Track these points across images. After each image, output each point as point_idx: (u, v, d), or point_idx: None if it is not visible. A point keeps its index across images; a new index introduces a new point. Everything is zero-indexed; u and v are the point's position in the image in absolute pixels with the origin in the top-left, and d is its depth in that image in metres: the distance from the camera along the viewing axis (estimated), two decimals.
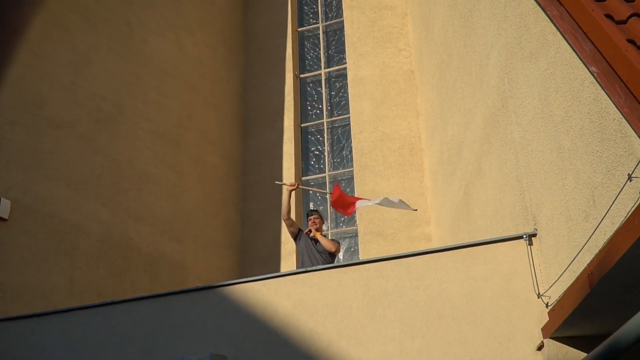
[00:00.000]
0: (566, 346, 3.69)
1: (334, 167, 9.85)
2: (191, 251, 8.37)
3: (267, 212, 9.49)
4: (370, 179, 9.14)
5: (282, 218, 5.96)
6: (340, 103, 10.28)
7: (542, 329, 3.84)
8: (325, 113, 10.23)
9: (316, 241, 5.91)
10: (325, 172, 9.81)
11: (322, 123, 10.20)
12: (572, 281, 3.42)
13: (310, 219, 6.05)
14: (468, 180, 5.91)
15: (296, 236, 5.99)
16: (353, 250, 9.20)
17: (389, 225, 8.75)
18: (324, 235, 6.04)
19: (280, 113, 10.21)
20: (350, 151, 9.71)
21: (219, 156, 9.51)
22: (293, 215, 9.14)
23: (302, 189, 5.81)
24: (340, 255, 9.25)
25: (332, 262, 5.92)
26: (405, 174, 9.02)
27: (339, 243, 6.01)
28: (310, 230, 5.86)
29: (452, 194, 6.77)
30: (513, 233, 4.30)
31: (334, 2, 10.88)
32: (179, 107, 8.94)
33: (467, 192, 5.97)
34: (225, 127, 9.97)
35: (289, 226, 5.94)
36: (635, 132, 2.63)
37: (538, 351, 3.81)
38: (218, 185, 9.33)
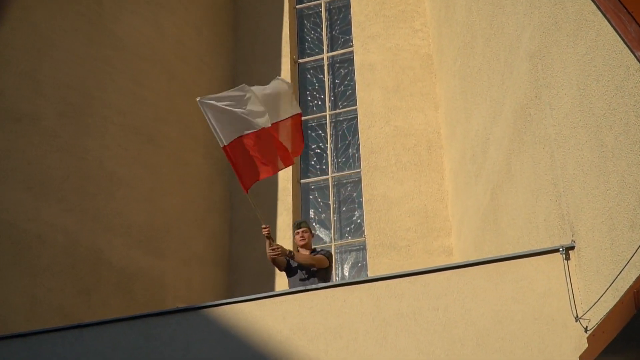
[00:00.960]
0: None
1: (338, 167, 9.89)
2: (171, 266, 8.40)
3: (259, 221, 9.51)
4: (380, 182, 9.17)
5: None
6: (345, 93, 10.33)
7: (580, 358, 3.87)
8: (328, 104, 10.27)
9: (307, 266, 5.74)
10: (327, 174, 9.85)
11: (325, 116, 10.24)
12: (615, 301, 3.44)
13: (298, 233, 5.96)
14: (495, 184, 5.94)
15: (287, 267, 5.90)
16: (360, 265, 9.23)
17: (403, 236, 8.78)
18: (316, 251, 5.90)
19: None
20: (358, 149, 9.74)
21: (203, 155, 9.54)
22: (284, 228, 9.18)
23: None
24: (346, 271, 9.28)
25: (327, 279, 5.82)
26: (421, 176, 9.06)
27: (327, 254, 5.80)
28: (289, 253, 5.61)
29: (476, 199, 6.80)
30: (548, 246, 4.33)
31: None
32: (157, 97, 8.98)
33: (494, 197, 6.00)
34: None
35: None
36: None
37: None
38: (202, 190, 9.37)
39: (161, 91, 9.10)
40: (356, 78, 9.99)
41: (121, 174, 8.06)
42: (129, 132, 8.37)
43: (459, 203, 7.96)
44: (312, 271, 5.69)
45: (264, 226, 5.70)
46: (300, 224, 6.06)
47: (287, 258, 5.70)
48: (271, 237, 5.71)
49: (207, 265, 9.10)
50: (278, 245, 5.68)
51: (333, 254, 9.05)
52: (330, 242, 9.42)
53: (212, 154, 9.76)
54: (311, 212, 9.78)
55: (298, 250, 5.95)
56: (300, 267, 5.76)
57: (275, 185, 9.67)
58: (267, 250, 5.66)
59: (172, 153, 8.97)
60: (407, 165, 9.18)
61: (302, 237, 5.96)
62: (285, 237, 9.15)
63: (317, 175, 9.94)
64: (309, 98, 10.45)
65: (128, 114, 8.42)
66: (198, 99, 5.54)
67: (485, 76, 6.18)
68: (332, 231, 9.47)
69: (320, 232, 9.55)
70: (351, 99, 10.18)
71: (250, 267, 9.31)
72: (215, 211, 9.54)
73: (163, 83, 9.19)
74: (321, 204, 9.78)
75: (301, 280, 5.66)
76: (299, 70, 10.65)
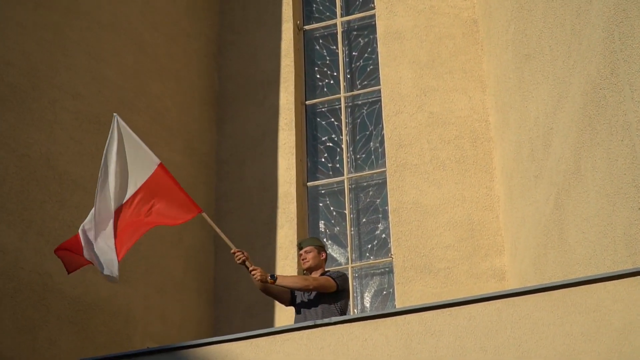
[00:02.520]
0: None
1: (357, 166, 9.91)
2: (140, 294, 8.43)
3: (253, 236, 9.56)
4: (411, 184, 9.18)
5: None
6: (365, 69, 10.34)
7: None
8: (342, 84, 10.28)
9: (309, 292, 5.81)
10: (343, 175, 9.86)
11: (339, 100, 10.26)
12: None
13: (300, 255, 6.04)
14: (560, 187, 5.95)
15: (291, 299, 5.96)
16: (386, 293, 9.24)
17: (441, 256, 8.78)
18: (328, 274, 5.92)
19: (273, 85, 10.28)
20: (382, 142, 9.76)
21: (181, 151, 9.57)
22: (286, 245, 9.20)
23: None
24: (367, 301, 9.29)
25: (343, 312, 5.85)
26: (465, 177, 9.06)
27: (334, 276, 5.84)
28: (271, 276, 5.69)
29: (536, 207, 6.80)
30: (628, 267, 4.33)
31: None
32: (122, 77, 9.02)
33: (560, 204, 6.01)
34: (191, 107, 10.04)
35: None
36: None
37: None
38: None
39: (126, 68, 9.13)
40: (379, 50, 10.00)
41: (75, 175, 8.10)
42: (85, 121, 8.40)
43: (514, 212, 7.95)
44: (323, 305, 5.73)
45: (233, 251, 5.77)
46: (302, 243, 6.12)
47: (270, 284, 5.75)
48: (247, 264, 5.80)
49: (187, 293, 9.12)
50: (256, 267, 5.76)
51: (350, 278, 9.07)
52: (347, 263, 9.43)
53: (193, 149, 9.78)
54: (321, 225, 9.79)
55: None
56: (305, 301, 5.79)
57: (274, 190, 9.69)
58: (254, 281, 5.75)
59: None
60: (445, 163, 9.18)
61: (303, 258, 6.00)
62: (288, 257, 9.17)
63: (328, 177, 9.95)
64: (318, 76, 10.47)
65: (84, 98, 8.45)
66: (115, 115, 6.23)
67: (547, 47, 6.19)
68: (348, 249, 9.48)
69: (333, 251, 9.55)
70: (373, 77, 10.19)
71: (241, 295, 9.33)
72: (197, 223, 9.55)
73: (129, 58, 9.22)
74: (334, 213, 9.79)
75: (304, 315, 5.72)
76: (305, 40, 10.66)
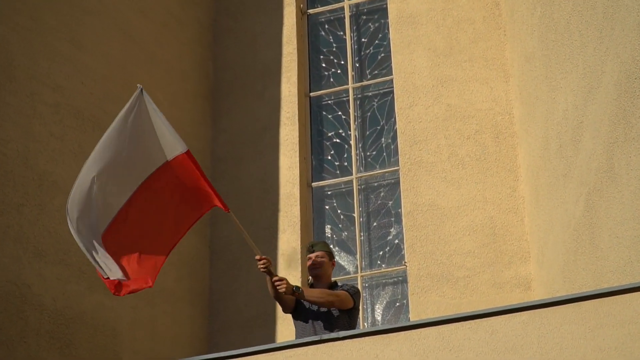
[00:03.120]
0: None
1: (367, 165, 9.91)
2: (127, 306, 8.44)
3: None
4: (427, 184, 9.18)
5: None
6: (376, 57, 10.34)
7: None
8: (350, 74, 10.29)
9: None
10: (351, 174, 9.86)
11: (346, 91, 10.26)
12: None
13: (310, 258, 6.04)
14: (592, 187, 5.95)
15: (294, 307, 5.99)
16: (399, 305, 9.25)
17: (460, 263, 8.78)
18: (337, 287, 5.97)
19: (274, 75, 10.28)
20: (394, 138, 9.76)
21: None
22: (288, 252, 9.19)
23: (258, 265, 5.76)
24: (379, 313, 9.30)
25: (352, 325, 5.89)
26: (486, 177, 9.06)
27: (351, 291, 5.88)
28: (296, 288, 5.73)
29: (565, 209, 6.81)
30: None
31: None
32: (106, 66, 9.03)
33: (591, 205, 6.01)
34: (184, 100, 10.04)
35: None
36: None
37: None
38: None
39: (112, 57, 9.14)
40: (391, 36, 10.01)
41: (56, 175, 8.11)
42: (67, 116, 8.41)
43: (541, 215, 7.95)
44: (330, 315, 5.75)
45: (258, 257, 5.77)
46: (314, 245, 6.11)
47: (295, 296, 5.78)
48: (272, 271, 5.81)
49: (179, 305, 9.13)
50: (282, 277, 5.78)
51: (360, 290, 9.08)
52: (356, 272, 9.45)
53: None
54: (327, 230, 9.81)
55: (311, 285, 5.99)
56: (313, 310, 5.80)
57: (275, 191, 9.70)
58: (270, 287, 5.76)
59: None
60: (465, 161, 9.19)
61: (313, 263, 6.00)
62: (290, 267, 9.18)
63: (335, 176, 9.96)
64: (324, 65, 10.48)
65: (65, 90, 8.46)
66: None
67: (577, 33, 6.18)
68: (357, 257, 9.49)
69: (341, 259, 9.55)
70: (384, 65, 10.20)
71: (239, 307, 9.35)
72: (190, 229, 9.57)
73: (114, 46, 9.23)
74: (342, 217, 9.80)
75: (312, 325, 5.76)
76: (309, 25, 10.66)
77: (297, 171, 9.67)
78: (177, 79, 9.99)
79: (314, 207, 9.85)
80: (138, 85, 6.07)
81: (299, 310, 5.89)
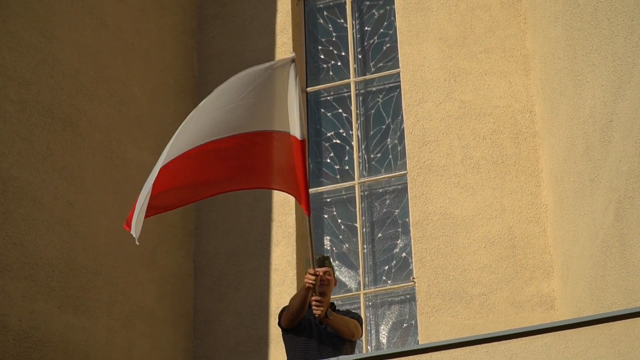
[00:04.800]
0: None
1: (370, 168, 9.92)
2: (102, 328, 8.43)
3: (241, 256, 9.58)
4: (438, 190, 9.19)
5: (288, 316, 6.09)
6: (380, 48, 10.36)
7: None
8: (353, 67, 10.29)
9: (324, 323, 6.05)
10: (353, 179, 9.86)
11: (348, 85, 10.28)
12: None
13: (317, 274, 6.09)
14: (623, 193, 5.96)
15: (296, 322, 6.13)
16: (407, 326, 9.24)
17: (475, 279, 8.79)
18: (337, 311, 6.13)
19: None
20: (401, 138, 9.78)
21: (151, 150, 9.57)
22: (282, 266, 9.21)
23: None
24: (384, 335, 9.31)
25: (353, 352, 6.08)
26: (505, 182, 9.07)
27: (360, 321, 6.12)
28: (328, 313, 5.97)
29: (592, 218, 6.82)
30: None
31: None
32: (78, 58, 9.02)
33: (622, 214, 6.01)
34: (165, 95, 10.05)
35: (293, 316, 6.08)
36: None
37: None
38: None
39: (84, 47, 9.13)
40: (398, 24, 10.02)
41: (22, 180, 8.12)
42: (34, 114, 8.42)
43: (565, 225, 7.97)
44: (339, 339, 5.93)
45: (312, 272, 5.91)
46: (325, 260, 6.25)
47: (324, 320, 5.96)
48: (316, 289, 5.98)
49: (160, 327, 9.12)
50: (321, 299, 5.95)
51: (362, 307, 9.10)
52: (359, 289, 9.44)
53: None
54: (326, 241, 9.81)
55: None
56: (321, 329, 5.94)
57: (267, 198, 9.70)
58: (298, 301, 5.95)
59: (102, 147, 9.03)
60: (481, 164, 9.20)
61: (323, 281, 6.09)
62: (285, 282, 9.18)
63: (335, 182, 9.96)
64: (322, 56, 10.49)
65: (32, 85, 8.46)
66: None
67: (605, 21, 6.20)
68: (360, 272, 9.48)
69: (342, 274, 9.56)
70: (390, 57, 10.21)
71: (226, 329, 9.33)
72: (172, 239, 9.58)
73: (87, 34, 9.22)
74: (343, 227, 9.81)
75: (318, 346, 5.91)
76: (306, 13, 10.66)
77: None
78: (157, 72, 9.99)
79: (312, 216, 9.83)
80: (292, 53, 6.32)
81: (303, 327, 5.98)
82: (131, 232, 6.12)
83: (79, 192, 8.63)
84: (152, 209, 6.15)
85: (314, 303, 5.87)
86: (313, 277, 5.88)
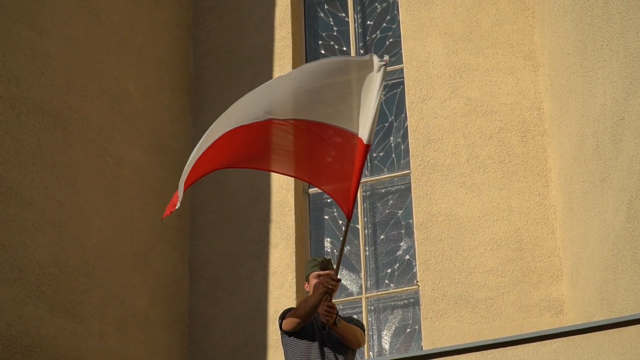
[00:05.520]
0: None
1: (372, 167, 9.93)
2: (94, 333, 8.43)
3: (238, 258, 9.58)
4: (442, 190, 9.19)
5: (296, 319, 6.11)
6: (383, 42, 10.35)
7: None
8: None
9: (326, 328, 6.08)
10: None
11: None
12: None
13: (322, 276, 6.15)
14: (635, 194, 5.96)
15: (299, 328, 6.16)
16: (410, 331, 9.25)
17: (481, 283, 8.79)
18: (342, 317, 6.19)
19: (264, 63, 10.30)
20: (405, 136, 9.78)
21: (145, 149, 9.59)
22: (281, 269, 9.21)
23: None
24: (386, 340, 9.31)
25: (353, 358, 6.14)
26: (512, 182, 9.08)
27: (363, 329, 6.17)
28: (337, 320, 5.98)
29: (603, 219, 6.82)
30: None
31: None
32: (70, 53, 9.02)
33: (633, 215, 6.02)
34: (158, 90, 10.05)
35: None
36: None
37: None
38: (146, 205, 9.42)
39: (77, 42, 9.13)
40: (401, 18, 10.02)
41: (11, 180, 8.11)
42: (24, 111, 8.41)
43: (575, 226, 7.97)
44: (343, 346, 5.97)
45: (336, 278, 5.93)
46: (328, 263, 6.25)
47: (332, 327, 5.98)
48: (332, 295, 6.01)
49: (154, 332, 9.11)
50: (334, 305, 5.98)
51: (364, 312, 9.11)
52: (360, 293, 9.45)
53: (161, 145, 9.77)
54: (327, 243, 9.81)
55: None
56: (325, 334, 6.00)
57: (266, 199, 9.70)
58: (311, 304, 5.93)
59: (94, 145, 9.03)
60: (487, 164, 9.21)
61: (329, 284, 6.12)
62: (284, 285, 9.18)
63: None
64: (323, 52, 10.49)
65: (21, 81, 8.46)
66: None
67: (617, 15, 6.20)
68: (362, 275, 9.49)
69: (343, 277, 9.51)
70: (393, 52, 10.20)
71: (223, 334, 9.34)
72: (166, 241, 9.59)
73: (79, 29, 9.21)
74: (343, 228, 9.80)
75: (320, 348, 5.94)
76: (306, 6, 10.66)
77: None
78: (151, 67, 9.99)
79: (311, 217, 9.85)
80: (386, 57, 6.27)
81: (305, 330, 6.01)
82: (177, 205, 6.36)
83: (70, 192, 8.63)
84: (200, 169, 6.20)
85: (326, 310, 5.88)
86: (334, 283, 5.89)
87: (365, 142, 6.01)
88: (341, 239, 6.24)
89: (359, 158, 6.05)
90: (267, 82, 6.26)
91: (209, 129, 6.17)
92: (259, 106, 6.09)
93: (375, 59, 6.11)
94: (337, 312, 6.09)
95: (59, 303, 8.21)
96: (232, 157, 6.24)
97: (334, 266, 6.21)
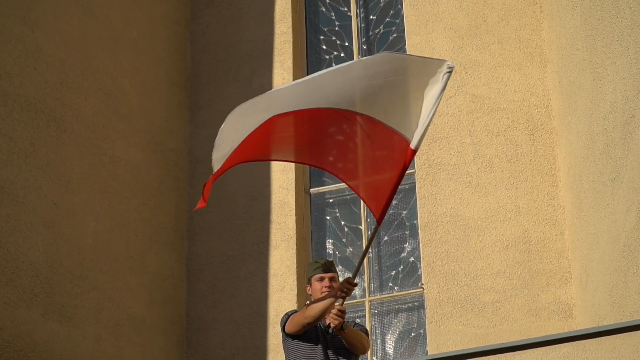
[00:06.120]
0: None
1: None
2: (89, 336, 8.43)
3: (237, 260, 9.58)
4: (448, 191, 9.19)
5: (303, 322, 6.11)
6: (387, 37, 10.36)
7: None
8: (356, 58, 10.22)
9: (330, 332, 6.10)
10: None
11: None
12: None
13: (323, 280, 6.18)
14: None
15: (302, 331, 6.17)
16: (415, 335, 9.25)
17: (488, 286, 8.79)
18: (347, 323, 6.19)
19: (264, 59, 10.31)
20: None
21: (142, 147, 9.59)
22: (282, 271, 9.22)
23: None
24: (390, 345, 9.31)
25: None
26: (520, 181, 9.08)
27: (367, 335, 6.20)
28: (344, 325, 5.97)
29: (613, 220, 6.83)
30: None
31: None
32: (64, 49, 9.03)
33: None
34: (154, 87, 10.05)
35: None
36: None
37: None
38: (142, 206, 9.43)
39: (71, 38, 9.14)
40: (405, 13, 10.03)
41: (3, 179, 8.10)
42: (17, 109, 8.42)
43: (584, 227, 7.98)
44: (346, 350, 5.98)
45: (353, 282, 5.90)
46: (331, 266, 6.26)
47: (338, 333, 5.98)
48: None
49: (150, 335, 9.12)
50: (344, 310, 5.96)
51: (367, 315, 9.12)
52: (363, 296, 9.46)
53: (158, 144, 9.78)
54: (329, 245, 9.82)
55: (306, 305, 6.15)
56: (328, 337, 6.02)
57: (266, 199, 9.70)
58: (321, 308, 5.89)
59: (89, 143, 9.03)
60: (494, 163, 9.21)
61: (329, 287, 6.10)
62: (284, 288, 9.18)
63: (338, 181, 9.93)
64: (324, 47, 10.49)
65: (14, 78, 8.46)
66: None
67: (627, 10, 6.21)
68: (365, 277, 9.50)
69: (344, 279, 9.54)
70: (397, 48, 10.20)
71: (222, 338, 9.35)
72: (163, 242, 9.59)
73: (73, 24, 9.22)
74: (346, 230, 9.81)
75: (324, 351, 5.96)
76: (307, 2, 10.67)
77: (292, 175, 9.66)
78: (148, 63, 9.99)
79: (313, 217, 9.85)
80: (452, 62, 6.21)
81: (309, 332, 6.02)
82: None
83: (64, 192, 8.63)
84: (237, 157, 6.29)
85: (336, 312, 5.86)
86: (350, 287, 5.87)
87: (412, 148, 5.94)
88: (366, 243, 6.18)
89: (403, 163, 5.97)
90: (318, 72, 6.13)
91: (240, 111, 6.06)
92: (315, 94, 6.01)
93: (443, 63, 6.04)
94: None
95: (52, 306, 8.22)
96: (276, 147, 6.28)
97: (334, 267, 6.21)
